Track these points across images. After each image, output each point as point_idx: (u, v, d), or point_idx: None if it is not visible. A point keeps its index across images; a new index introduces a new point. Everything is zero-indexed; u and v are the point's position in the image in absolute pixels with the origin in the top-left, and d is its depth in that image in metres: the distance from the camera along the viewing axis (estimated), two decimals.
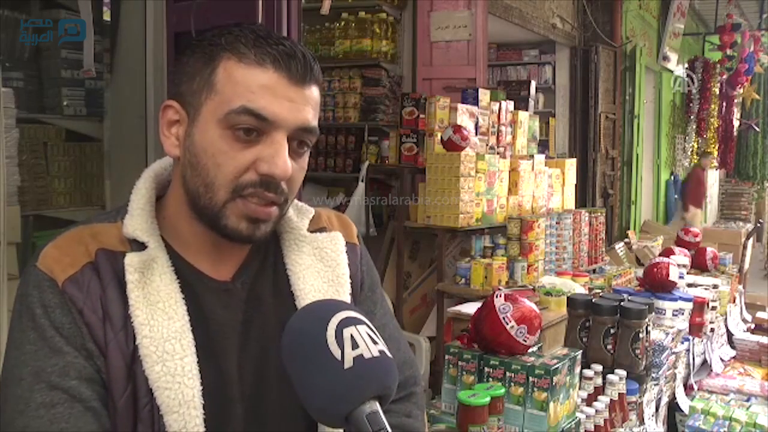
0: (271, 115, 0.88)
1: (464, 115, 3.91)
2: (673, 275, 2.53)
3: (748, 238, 4.63)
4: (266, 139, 0.89)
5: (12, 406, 0.83)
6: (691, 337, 2.44)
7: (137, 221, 0.92)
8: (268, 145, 0.89)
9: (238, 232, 0.91)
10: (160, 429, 0.86)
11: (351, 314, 0.80)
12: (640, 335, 1.91)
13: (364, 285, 1.08)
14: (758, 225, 7.87)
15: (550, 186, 4.33)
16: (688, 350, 2.41)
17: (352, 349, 0.76)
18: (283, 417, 0.95)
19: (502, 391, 1.51)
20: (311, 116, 0.92)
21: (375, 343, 0.78)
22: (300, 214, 1.05)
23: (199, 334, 0.90)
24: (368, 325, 0.80)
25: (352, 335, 0.77)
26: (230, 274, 0.97)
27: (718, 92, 9.32)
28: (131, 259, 0.88)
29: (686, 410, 2.25)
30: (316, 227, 1.06)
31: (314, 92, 0.92)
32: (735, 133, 10.04)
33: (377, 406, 0.76)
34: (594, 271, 4.12)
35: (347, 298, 1.02)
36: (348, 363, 0.75)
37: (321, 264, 1.02)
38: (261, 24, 0.94)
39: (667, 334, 2.21)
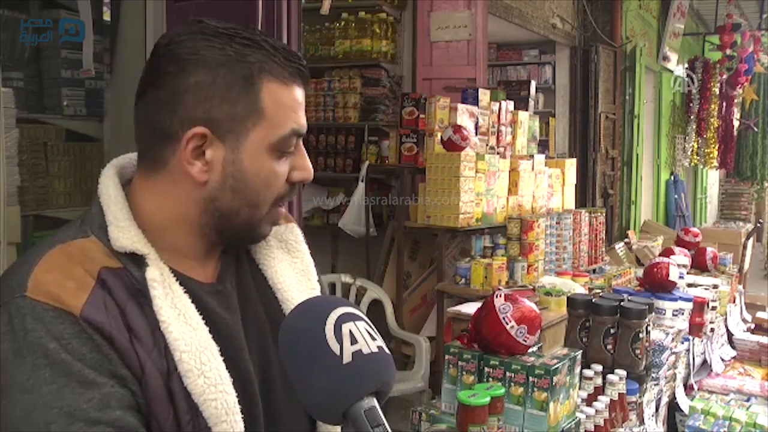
0: (303, 129, 0.92)
1: (464, 115, 3.91)
2: (673, 275, 2.52)
3: (748, 238, 4.64)
4: (294, 150, 0.93)
5: None
6: (691, 337, 2.44)
7: (131, 233, 0.87)
8: (297, 154, 0.93)
9: (263, 236, 0.97)
10: None
11: (349, 310, 0.80)
12: (640, 335, 1.91)
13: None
14: (758, 225, 7.87)
15: (550, 186, 4.33)
16: (688, 350, 2.41)
17: (351, 344, 0.76)
18: (289, 413, 0.96)
19: (502, 391, 1.51)
20: None
21: (373, 339, 0.78)
22: None
23: (216, 339, 0.88)
24: (366, 322, 0.80)
25: (350, 331, 0.77)
26: (213, 276, 0.96)
27: (718, 92, 9.31)
28: (152, 274, 0.85)
29: (686, 410, 2.25)
30: None
31: None
32: (735, 133, 10.03)
33: (375, 402, 0.76)
34: (594, 271, 4.12)
35: (317, 286, 1.04)
36: (347, 358, 0.75)
37: (289, 256, 1.04)
38: (256, 27, 0.93)
39: (667, 334, 2.21)
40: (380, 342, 0.79)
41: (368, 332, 0.79)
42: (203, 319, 0.88)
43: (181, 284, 0.89)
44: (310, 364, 0.76)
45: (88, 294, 0.80)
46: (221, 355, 0.87)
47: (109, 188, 0.91)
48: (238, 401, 0.86)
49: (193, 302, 0.88)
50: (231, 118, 0.87)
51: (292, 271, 1.02)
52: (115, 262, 0.85)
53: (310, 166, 0.94)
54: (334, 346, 0.75)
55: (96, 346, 0.79)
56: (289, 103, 0.89)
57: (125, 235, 0.87)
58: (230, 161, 0.88)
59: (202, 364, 0.84)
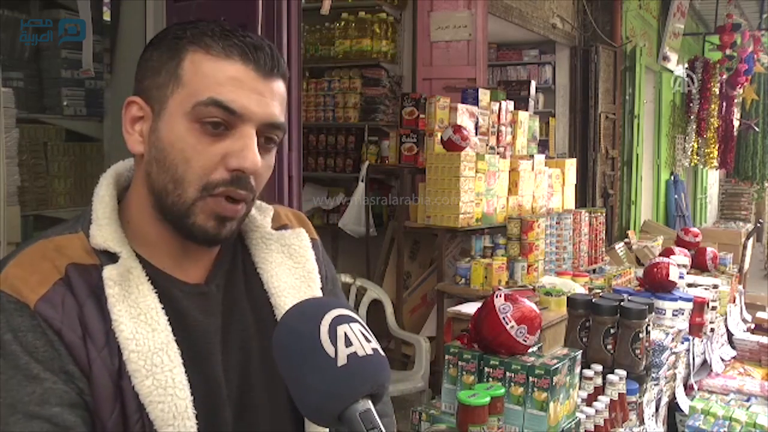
0: (240, 108, 0.87)
1: (464, 115, 3.91)
2: (673, 275, 2.52)
3: (748, 238, 4.64)
4: (235, 133, 0.87)
5: None
6: (691, 337, 2.44)
7: (106, 231, 0.88)
8: (237, 139, 0.87)
9: (205, 231, 0.89)
10: None
11: (344, 312, 0.79)
12: (640, 335, 1.91)
13: (327, 280, 1.07)
14: (758, 225, 7.86)
15: (550, 186, 4.33)
16: (688, 350, 2.41)
17: (346, 346, 0.75)
18: (270, 418, 0.95)
19: (502, 391, 1.51)
20: (278, 111, 0.91)
21: (368, 341, 0.78)
22: (261, 212, 1.04)
23: (183, 341, 0.87)
24: (361, 323, 0.79)
25: (345, 333, 0.76)
26: (202, 277, 0.95)
27: (718, 92, 9.31)
28: (110, 273, 0.85)
29: (686, 410, 2.25)
30: (278, 225, 1.05)
31: (281, 87, 0.92)
32: (735, 133, 10.04)
33: (370, 404, 0.75)
34: (594, 271, 4.12)
35: (319, 294, 1.02)
36: (341, 361, 0.74)
37: (291, 261, 1.02)
38: (224, 20, 0.92)
39: (667, 334, 2.21)
40: (375, 344, 0.79)
41: (363, 334, 0.78)
42: (172, 320, 0.87)
43: (154, 283, 0.88)
44: (305, 367, 0.75)
45: (47, 289, 0.82)
46: (185, 357, 0.86)
47: (101, 188, 0.93)
48: (197, 406, 0.85)
49: (163, 302, 0.88)
50: (157, 86, 0.89)
51: (290, 276, 1.00)
52: (92, 258, 0.86)
53: (253, 155, 0.87)
54: (329, 348, 0.75)
55: (49, 340, 0.80)
56: (214, 74, 0.86)
57: (101, 232, 0.88)
58: (153, 129, 0.89)
59: (153, 366, 0.83)
